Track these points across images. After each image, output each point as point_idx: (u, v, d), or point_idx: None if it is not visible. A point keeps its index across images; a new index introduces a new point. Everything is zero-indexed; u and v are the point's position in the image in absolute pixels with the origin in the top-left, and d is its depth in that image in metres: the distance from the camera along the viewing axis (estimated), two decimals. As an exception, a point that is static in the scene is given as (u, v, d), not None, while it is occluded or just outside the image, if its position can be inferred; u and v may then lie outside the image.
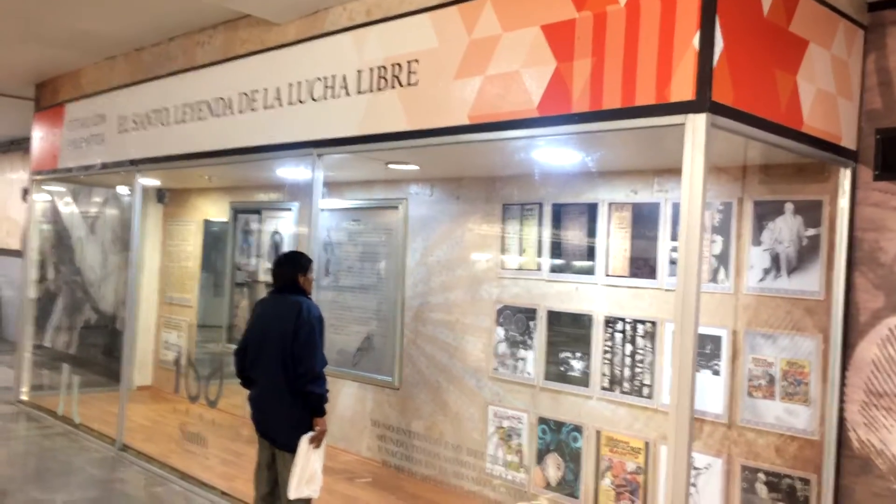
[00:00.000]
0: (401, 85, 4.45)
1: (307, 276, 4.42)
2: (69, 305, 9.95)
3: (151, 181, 7.99)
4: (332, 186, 6.67)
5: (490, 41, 3.98)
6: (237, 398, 7.48)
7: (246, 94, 5.59)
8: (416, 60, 4.37)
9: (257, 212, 7.25)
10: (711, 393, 4.53)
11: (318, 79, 5.00)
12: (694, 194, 3.14)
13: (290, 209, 6.87)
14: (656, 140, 3.97)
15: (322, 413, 4.18)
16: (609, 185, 5.16)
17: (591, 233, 5.20)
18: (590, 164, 4.65)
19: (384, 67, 4.56)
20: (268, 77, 5.41)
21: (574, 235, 5.31)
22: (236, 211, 7.46)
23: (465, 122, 4.09)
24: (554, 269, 5.42)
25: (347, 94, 4.80)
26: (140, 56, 6.89)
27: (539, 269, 5.51)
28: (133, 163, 6.87)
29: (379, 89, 4.59)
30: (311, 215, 5.06)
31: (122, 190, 9.61)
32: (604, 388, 5.08)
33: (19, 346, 8.86)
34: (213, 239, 8.50)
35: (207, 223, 8.64)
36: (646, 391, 4.86)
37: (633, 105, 3.37)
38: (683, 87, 3.19)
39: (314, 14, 5.11)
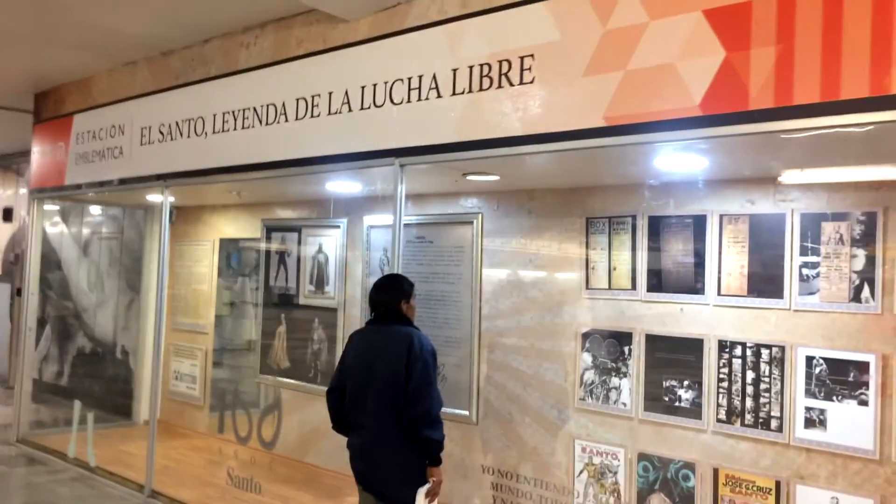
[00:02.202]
0: (511, 84, 3.93)
1: (410, 303, 3.85)
2: (59, 333, 9.21)
3: (158, 198, 7.33)
4: (379, 201, 6.08)
5: (632, 31, 3.47)
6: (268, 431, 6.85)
7: (305, 99, 5.01)
8: (531, 56, 3.85)
9: (295, 229, 6.61)
10: (859, 426, 4.05)
11: (400, 80, 4.45)
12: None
13: (337, 226, 6.26)
14: (777, 145, 3.50)
15: (439, 462, 3.60)
16: (717, 194, 4.68)
17: (699, 248, 4.71)
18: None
19: (488, 65, 4.03)
20: (333, 79, 4.84)
21: (677, 251, 4.82)
22: (269, 229, 6.82)
23: (601, 124, 3.57)
24: (652, 289, 4.92)
25: (439, 95, 4.26)
26: (167, 60, 6.26)
27: (634, 288, 5.00)
28: (161, 177, 6.22)
29: (482, 89, 4.05)
30: (394, 232, 4.50)
31: (94, 209, 9.02)
32: (720, 421, 4.57)
33: (17, 379, 8.06)
34: (233, 259, 7.84)
35: (225, 242, 7.99)
36: (774, 424, 4.37)
37: (837, 99, 2.90)
38: (910, 77, 2.73)
39: (393, 8, 4.57)
